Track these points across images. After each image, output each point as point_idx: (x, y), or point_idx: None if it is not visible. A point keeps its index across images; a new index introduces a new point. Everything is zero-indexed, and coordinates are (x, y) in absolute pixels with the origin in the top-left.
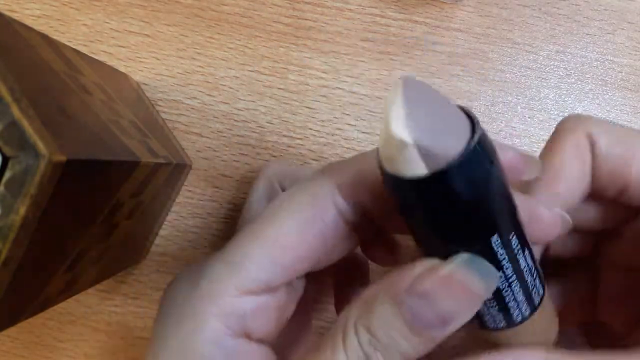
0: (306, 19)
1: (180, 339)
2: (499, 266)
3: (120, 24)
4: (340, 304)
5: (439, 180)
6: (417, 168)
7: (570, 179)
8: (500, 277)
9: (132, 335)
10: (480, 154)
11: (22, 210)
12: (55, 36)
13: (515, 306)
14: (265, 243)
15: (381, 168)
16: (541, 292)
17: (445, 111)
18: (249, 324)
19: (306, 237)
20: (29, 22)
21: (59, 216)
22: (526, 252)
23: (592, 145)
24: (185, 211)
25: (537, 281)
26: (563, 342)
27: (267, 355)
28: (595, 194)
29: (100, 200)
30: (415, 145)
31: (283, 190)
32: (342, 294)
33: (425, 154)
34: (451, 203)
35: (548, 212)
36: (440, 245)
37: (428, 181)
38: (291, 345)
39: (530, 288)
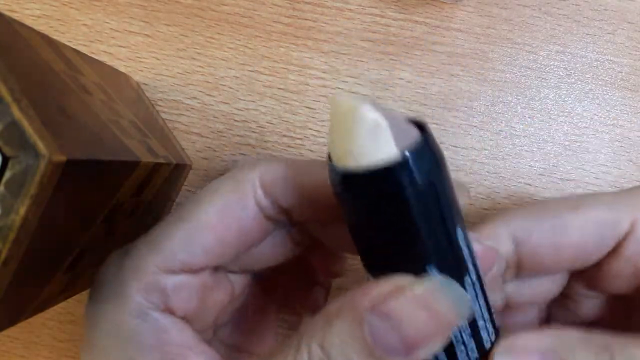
0: (306, 19)
1: (109, 315)
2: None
3: (120, 24)
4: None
5: (405, 166)
6: (388, 151)
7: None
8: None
9: None
10: (434, 150)
11: (22, 210)
12: (55, 36)
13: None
14: (185, 224)
15: (333, 170)
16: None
17: (397, 115)
18: (171, 300)
19: (225, 220)
20: (29, 22)
21: (59, 216)
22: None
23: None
24: None
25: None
26: None
27: (195, 336)
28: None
29: (100, 200)
30: (388, 126)
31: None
32: (292, 297)
33: (396, 137)
34: (417, 193)
35: (479, 246)
36: (400, 256)
37: (395, 168)
38: (253, 345)
39: (492, 314)
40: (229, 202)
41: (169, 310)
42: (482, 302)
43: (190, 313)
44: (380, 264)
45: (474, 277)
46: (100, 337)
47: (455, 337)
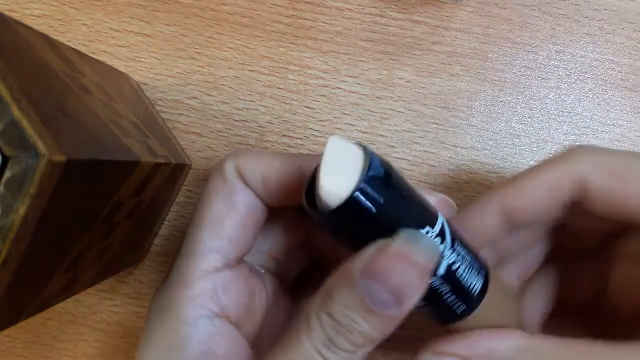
0: (306, 19)
1: (162, 327)
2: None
3: (120, 24)
4: None
5: (351, 203)
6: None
7: (534, 212)
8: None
9: (132, 335)
10: (374, 177)
11: (22, 210)
12: (55, 36)
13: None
14: (204, 227)
15: (315, 204)
16: (484, 272)
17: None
18: (223, 301)
19: (228, 211)
20: (29, 22)
21: (59, 216)
22: (455, 237)
23: (584, 186)
24: (185, 211)
25: (477, 262)
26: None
27: (242, 342)
28: (597, 218)
29: (100, 200)
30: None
31: (249, 185)
32: None
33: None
34: (367, 217)
35: (434, 198)
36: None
37: (345, 205)
38: None
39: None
40: (224, 197)
41: (224, 313)
42: (459, 248)
43: (241, 315)
44: None
45: (442, 227)
46: (152, 346)
47: (437, 284)
